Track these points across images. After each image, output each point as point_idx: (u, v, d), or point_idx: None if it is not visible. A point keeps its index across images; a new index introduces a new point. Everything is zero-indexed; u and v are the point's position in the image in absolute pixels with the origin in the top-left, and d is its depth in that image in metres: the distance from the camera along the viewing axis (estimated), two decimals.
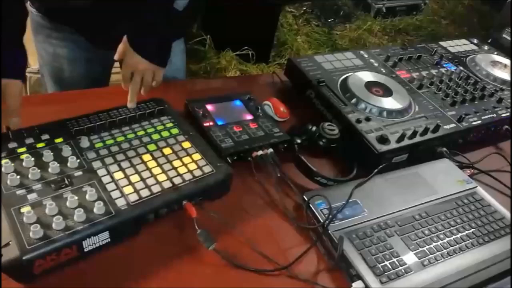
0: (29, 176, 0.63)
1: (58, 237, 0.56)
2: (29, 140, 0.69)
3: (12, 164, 0.64)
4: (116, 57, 0.83)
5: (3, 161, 0.64)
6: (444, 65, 1.16)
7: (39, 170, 0.64)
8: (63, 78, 1.00)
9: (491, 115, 0.99)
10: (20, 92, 0.71)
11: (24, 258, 0.53)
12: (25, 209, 0.58)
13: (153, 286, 0.60)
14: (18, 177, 0.62)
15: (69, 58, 0.97)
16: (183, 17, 0.84)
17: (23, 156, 0.65)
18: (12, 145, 0.67)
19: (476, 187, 0.85)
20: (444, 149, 0.90)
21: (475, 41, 1.34)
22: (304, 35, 2.79)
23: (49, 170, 0.64)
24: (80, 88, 1.00)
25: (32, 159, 0.65)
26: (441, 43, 1.28)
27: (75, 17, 0.88)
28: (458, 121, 0.94)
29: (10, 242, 0.54)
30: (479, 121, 0.96)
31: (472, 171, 0.91)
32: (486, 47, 1.31)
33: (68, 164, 0.66)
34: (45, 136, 0.70)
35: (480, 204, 0.81)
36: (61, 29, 0.93)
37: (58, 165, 0.65)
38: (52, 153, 0.67)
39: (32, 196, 0.60)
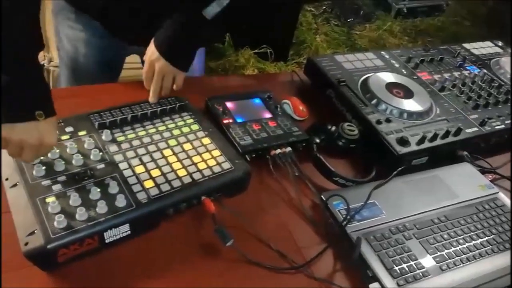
0: (54, 167, 0.64)
1: (81, 228, 0.57)
2: None
3: None
4: (146, 58, 0.83)
5: None
6: (467, 68, 1.14)
7: (63, 162, 0.65)
8: (77, 62, 1.00)
9: (510, 120, 0.97)
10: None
11: (48, 246, 0.54)
12: (50, 199, 0.59)
13: (170, 279, 0.61)
14: (44, 168, 0.64)
15: (85, 43, 0.97)
16: (212, 27, 0.82)
17: None
18: None
19: (498, 192, 0.83)
20: (465, 152, 0.89)
21: (500, 43, 1.31)
22: (323, 34, 2.77)
23: (73, 162, 0.66)
24: (91, 73, 1.00)
25: (57, 150, 0.67)
26: (465, 45, 1.26)
27: (100, 8, 0.88)
28: (481, 125, 0.92)
29: (35, 231, 0.56)
30: (502, 126, 0.94)
31: (494, 176, 0.89)
32: (510, 50, 1.28)
33: (91, 157, 0.67)
34: (69, 129, 0.72)
35: (501, 210, 0.80)
36: (80, 14, 0.93)
37: (81, 157, 0.67)
38: (76, 146, 0.68)
39: (56, 187, 0.62)
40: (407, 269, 0.65)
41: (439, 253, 0.69)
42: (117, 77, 1.10)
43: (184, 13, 0.80)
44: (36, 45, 0.64)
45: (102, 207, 0.59)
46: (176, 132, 0.76)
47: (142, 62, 0.87)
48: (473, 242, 0.72)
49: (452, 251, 0.70)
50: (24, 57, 0.58)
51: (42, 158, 0.65)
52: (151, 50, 0.81)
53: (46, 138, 0.59)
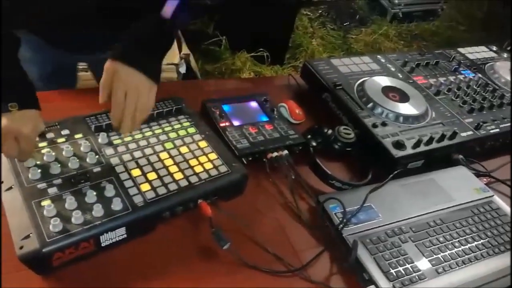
0: (50, 170, 0.64)
1: (77, 231, 0.57)
2: (50, 135, 0.70)
3: (34, 158, 0.65)
4: (102, 85, 0.67)
5: None
6: (462, 72, 1.15)
7: (59, 165, 0.65)
8: None
9: (510, 123, 0.98)
10: (36, 127, 0.63)
11: (43, 250, 0.54)
12: (46, 203, 0.59)
13: (166, 282, 0.60)
14: (39, 171, 0.63)
15: (21, 59, 0.82)
16: (171, 25, 0.72)
17: (44, 151, 0.66)
18: None
19: (493, 195, 0.84)
20: (461, 156, 0.90)
21: (494, 48, 1.32)
22: (319, 38, 2.78)
23: (69, 165, 0.66)
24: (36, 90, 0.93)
25: (53, 153, 0.66)
26: (460, 49, 1.27)
27: (36, 19, 0.79)
28: (476, 129, 0.93)
29: (30, 235, 0.55)
30: (497, 129, 0.95)
31: (489, 179, 0.90)
32: (505, 55, 1.30)
33: (87, 160, 0.67)
34: (65, 132, 0.72)
35: (496, 213, 0.80)
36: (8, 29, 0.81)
37: (77, 160, 0.66)
38: (72, 149, 0.68)
39: (52, 190, 0.61)
40: (403, 272, 0.65)
41: (435, 256, 0.69)
42: (73, 86, 1.04)
43: (144, 14, 0.70)
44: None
45: (98, 211, 0.59)
46: (172, 135, 0.76)
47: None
48: (469, 245, 0.73)
49: (448, 254, 0.70)
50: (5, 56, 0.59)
51: (38, 162, 0.65)
52: (118, 68, 0.66)
53: (22, 127, 0.59)
